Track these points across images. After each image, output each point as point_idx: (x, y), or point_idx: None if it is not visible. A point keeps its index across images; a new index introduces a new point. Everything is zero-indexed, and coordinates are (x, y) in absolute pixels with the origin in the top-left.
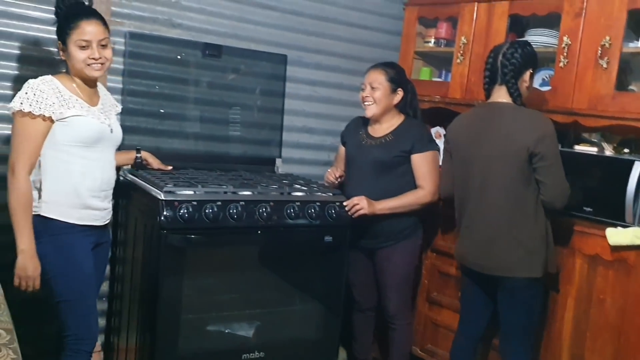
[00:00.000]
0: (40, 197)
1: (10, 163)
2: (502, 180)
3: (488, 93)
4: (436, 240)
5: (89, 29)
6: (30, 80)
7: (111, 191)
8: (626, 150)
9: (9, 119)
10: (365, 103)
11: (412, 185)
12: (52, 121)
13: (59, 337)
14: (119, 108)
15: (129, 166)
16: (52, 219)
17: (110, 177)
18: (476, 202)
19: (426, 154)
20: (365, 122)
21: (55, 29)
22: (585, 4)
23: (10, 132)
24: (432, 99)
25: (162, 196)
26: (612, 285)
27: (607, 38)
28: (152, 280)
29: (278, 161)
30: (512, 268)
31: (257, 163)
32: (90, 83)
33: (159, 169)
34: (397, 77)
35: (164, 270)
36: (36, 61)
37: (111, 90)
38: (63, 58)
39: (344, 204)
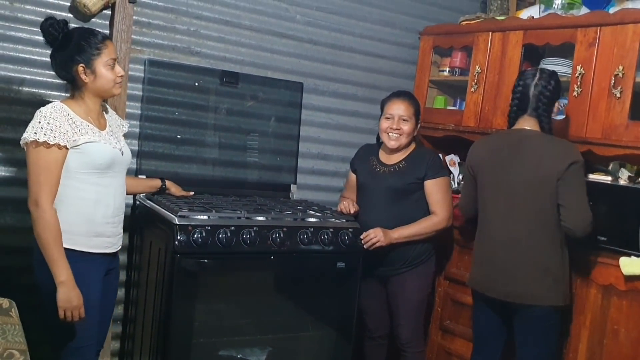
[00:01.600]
0: None
1: (33, 196)
2: (531, 206)
3: (513, 121)
4: (449, 268)
5: (114, 48)
6: (42, 109)
7: (122, 216)
8: None
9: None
10: (392, 134)
11: (426, 211)
12: (67, 149)
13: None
14: (126, 128)
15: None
16: (66, 248)
17: (122, 202)
18: (500, 228)
19: (439, 179)
20: (374, 149)
21: (56, 56)
22: (598, 34)
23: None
24: (446, 127)
25: (176, 220)
26: (627, 315)
27: (621, 68)
28: (165, 304)
29: (293, 187)
30: (539, 296)
31: (272, 189)
32: (100, 107)
33: (180, 197)
34: (419, 110)
35: (177, 293)
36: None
37: (130, 117)
38: (85, 81)
39: (361, 237)
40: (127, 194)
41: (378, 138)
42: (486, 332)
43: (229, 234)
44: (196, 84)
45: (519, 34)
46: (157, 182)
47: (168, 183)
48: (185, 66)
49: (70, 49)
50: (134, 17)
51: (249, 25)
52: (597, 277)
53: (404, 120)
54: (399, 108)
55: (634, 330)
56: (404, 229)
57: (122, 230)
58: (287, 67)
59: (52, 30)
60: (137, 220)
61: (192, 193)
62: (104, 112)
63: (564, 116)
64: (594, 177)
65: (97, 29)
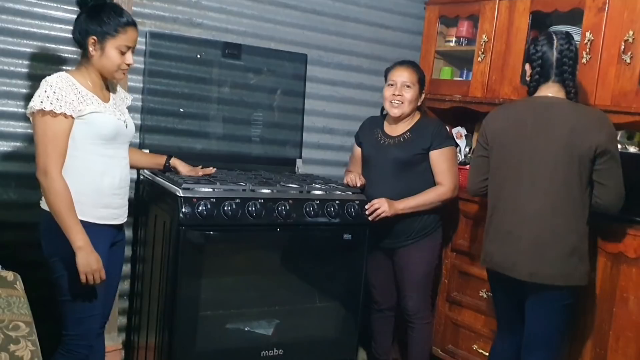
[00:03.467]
0: None
1: (41, 166)
2: (559, 180)
3: (534, 89)
4: (456, 239)
5: (134, 36)
6: (48, 78)
7: (128, 188)
8: None
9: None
10: (394, 102)
11: (432, 182)
12: (73, 118)
13: (57, 336)
14: (129, 100)
15: None
16: None
17: (127, 174)
18: (524, 204)
19: (444, 150)
20: (379, 121)
21: (80, 20)
22: None
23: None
24: (452, 98)
25: (180, 193)
26: (636, 283)
27: (631, 33)
28: (171, 278)
29: (298, 162)
30: (566, 276)
31: (278, 163)
32: (105, 80)
33: (189, 176)
34: (424, 78)
35: (183, 267)
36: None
37: (132, 90)
38: (92, 53)
39: (365, 207)
40: (130, 167)
41: (382, 110)
42: (510, 313)
43: (234, 206)
44: (198, 56)
45: (526, 2)
46: (162, 159)
47: (174, 161)
48: (187, 38)
49: (94, 18)
50: None
51: None
52: (606, 246)
53: (407, 86)
54: (401, 75)
55: None
56: (410, 200)
57: (127, 202)
58: (290, 38)
59: None
60: (142, 194)
61: (200, 172)
62: (109, 85)
63: None
64: None
65: (127, 12)
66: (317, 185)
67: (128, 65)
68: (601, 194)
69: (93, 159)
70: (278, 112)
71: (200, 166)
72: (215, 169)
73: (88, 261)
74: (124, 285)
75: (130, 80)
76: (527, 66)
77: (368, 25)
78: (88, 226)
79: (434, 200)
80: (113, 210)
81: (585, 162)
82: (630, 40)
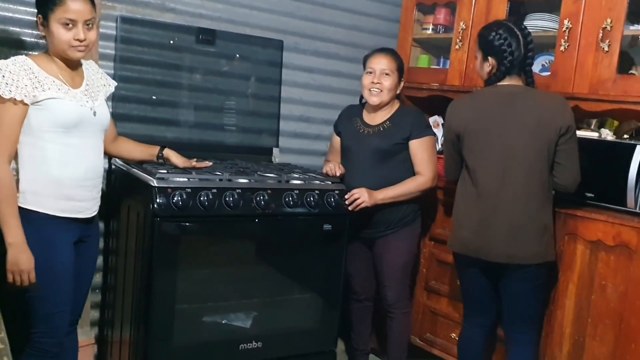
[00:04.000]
0: (17, 187)
1: None
2: (530, 165)
3: (498, 80)
4: (434, 229)
5: (75, 7)
6: (1, 62)
7: (100, 180)
8: (626, 136)
9: None
10: (373, 90)
11: (411, 171)
12: (24, 104)
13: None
14: (112, 87)
15: None
16: (31, 210)
17: (97, 165)
18: (498, 190)
19: (424, 139)
20: (358, 110)
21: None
22: None
23: None
24: (430, 86)
25: (154, 183)
26: (614, 270)
27: (609, 20)
28: (146, 270)
29: (275, 151)
30: (540, 254)
31: (254, 152)
32: (73, 63)
33: (184, 168)
34: (402, 66)
35: (158, 259)
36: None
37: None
38: (42, 34)
39: (345, 197)
40: (124, 158)
41: (361, 99)
42: (481, 293)
43: (210, 197)
44: (171, 42)
45: None
46: (154, 150)
47: (167, 152)
48: (159, 23)
49: None
50: None
51: None
52: (585, 233)
53: (386, 74)
54: (380, 62)
55: (621, 285)
56: (389, 190)
57: (98, 195)
58: (266, 24)
59: None
60: (114, 185)
61: (195, 164)
62: (84, 70)
63: (549, 73)
64: (580, 133)
65: None
66: (295, 175)
67: (79, 41)
68: (560, 175)
69: (52, 147)
70: (254, 99)
71: (195, 159)
72: (211, 163)
73: (17, 259)
74: (96, 278)
75: (101, 67)
76: (492, 60)
77: (345, 11)
78: (45, 219)
79: (413, 190)
80: (77, 202)
81: (552, 146)
82: (609, 27)
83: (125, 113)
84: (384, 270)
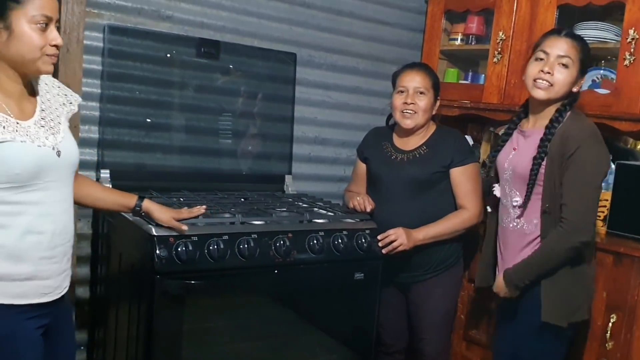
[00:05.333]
0: None
1: None
2: None
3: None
4: (474, 268)
5: (50, 3)
6: None
7: (71, 244)
8: None
9: None
10: (406, 112)
11: (452, 204)
12: None
13: None
14: (75, 106)
15: None
16: None
17: (67, 225)
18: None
19: (467, 167)
20: (386, 132)
21: None
22: None
23: None
24: (462, 104)
25: (153, 231)
26: None
27: None
28: (144, 339)
29: (288, 178)
30: None
31: (264, 181)
32: (26, 83)
33: (169, 227)
34: (438, 83)
35: (159, 325)
36: None
37: (88, 97)
38: None
39: (378, 238)
40: (95, 208)
41: (388, 120)
42: None
43: (222, 245)
44: (168, 55)
45: None
46: (130, 200)
47: (148, 205)
48: (154, 34)
49: None
50: None
51: None
52: None
53: (420, 93)
54: (413, 79)
55: None
56: (430, 228)
57: (69, 265)
58: (276, 35)
59: None
60: (102, 224)
61: (186, 214)
62: (35, 87)
63: (607, 90)
64: None
65: None
66: (320, 212)
67: (56, 46)
68: None
69: (2, 210)
70: (263, 121)
71: (186, 208)
72: (205, 207)
73: None
74: (82, 335)
75: (85, 85)
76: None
77: (364, 20)
78: (2, 310)
79: (458, 228)
80: (43, 281)
81: None
82: None
83: (115, 139)
84: (422, 321)
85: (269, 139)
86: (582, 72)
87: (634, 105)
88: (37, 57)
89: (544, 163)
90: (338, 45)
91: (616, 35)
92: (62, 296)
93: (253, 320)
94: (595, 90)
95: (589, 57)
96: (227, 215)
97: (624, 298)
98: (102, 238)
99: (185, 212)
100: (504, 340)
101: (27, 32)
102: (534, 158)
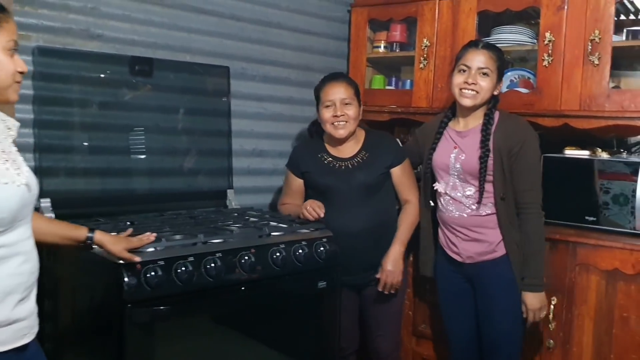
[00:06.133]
0: None
1: None
2: None
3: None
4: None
5: (13, 28)
6: None
7: (35, 281)
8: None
9: None
10: (337, 123)
11: (394, 200)
12: None
13: None
14: (14, 130)
15: None
16: None
17: (36, 261)
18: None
19: (404, 164)
20: (316, 144)
21: None
22: None
23: None
24: (392, 109)
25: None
26: (636, 300)
27: (597, 32)
28: None
29: (230, 193)
30: None
31: (206, 198)
32: None
33: (124, 258)
34: (359, 90)
35: (132, 353)
36: None
37: (21, 123)
38: None
39: (380, 289)
40: (41, 242)
41: (311, 132)
42: None
43: (190, 267)
44: (101, 75)
45: (472, 1)
46: (79, 232)
47: (99, 235)
48: (85, 54)
49: None
50: None
51: None
52: (599, 263)
53: (347, 104)
54: (337, 92)
55: None
56: (399, 237)
57: (35, 303)
58: (208, 48)
59: None
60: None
61: (136, 243)
62: None
63: (527, 90)
64: (570, 152)
65: None
66: (275, 224)
67: (22, 73)
68: None
69: None
70: (201, 136)
71: (136, 237)
72: (155, 235)
73: None
74: None
75: (17, 111)
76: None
77: (292, 31)
78: None
79: (415, 221)
80: (19, 324)
81: None
82: (597, 40)
83: (52, 165)
84: (377, 319)
85: (208, 154)
86: (500, 76)
87: (554, 103)
88: (8, 84)
89: (491, 158)
90: (269, 57)
91: (531, 38)
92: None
93: (222, 338)
94: (518, 89)
95: (504, 63)
96: (189, 235)
97: (562, 281)
98: (44, 270)
99: (136, 241)
100: (461, 322)
101: (3, 59)
102: (480, 157)
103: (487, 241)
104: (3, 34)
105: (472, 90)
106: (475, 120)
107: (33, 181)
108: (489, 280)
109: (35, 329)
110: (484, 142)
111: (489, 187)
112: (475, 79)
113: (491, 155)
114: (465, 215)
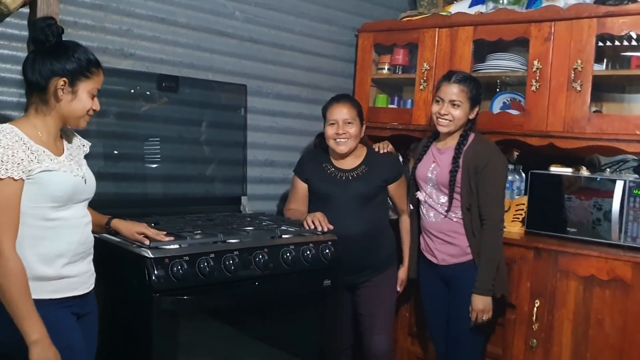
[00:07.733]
0: None
1: None
2: None
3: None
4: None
5: (101, 79)
6: None
7: (91, 250)
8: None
9: None
10: (339, 140)
11: (387, 211)
12: (23, 180)
13: None
14: (87, 148)
15: None
16: None
17: (89, 236)
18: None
19: (401, 180)
20: (321, 155)
21: (38, 59)
22: (553, 29)
23: None
24: (394, 126)
25: (149, 253)
26: (610, 305)
27: (579, 62)
28: (143, 351)
29: (244, 199)
30: None
31: (222, 203)
32: (59, 129)
33: (136, 240)
34: (362, 111)
35: (158, 339)
36: None
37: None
38: (61, 98)
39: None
40: None
41: (317, 145)
42: None
43: (211, 263)
44: (132, 90)
45: (469, 30)
46: (103, 220)
47: (116, 223)
48: (118, 71)
49: (61, 57)
50: (59, 17)
51: (185, 22)
52: (577, 269)
53: (349, 123)
54: (340, 112)
55: (619, 319)
56: (405, 251)
57: (92, 267)
58: (228, 68)
59: (49, 31)
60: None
61: (146, 231)
62: (62, 134)
63: (518, 112)
64: (555, 169)
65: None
66: (286, 228)
67: (95, 111)
68: None
69: (43, 224)
70: (220, 147)
71: (144, 224)
72: (165, 234)
73: (45, 358)
74: None
75: None
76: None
77: (304, 53)
78: (48, 304)
79: (409, 231)
80: (73, 279)
81: None
82: (579, 68)
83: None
84: (373, 317)
85: (225, 163)
86: (474, 104)
87: (541, 124)
88: (81, 116)
89: (459, 174)
90: (282, 76)
91: (522, 65)
92: (89, 292)
93: (237, 331)
94: (508, 111)
95: (478, 92)
96: (210, 235)
97: (544, 286)
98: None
99: (151, 232)
100: (439, 317)
101: (84, 99)
102: (450, 171)
103: (459, 245)
104: (92, 83)
105: (445, 119)
106: (453, 140)
107: (91, 178)
108: (460, 282)
109: (88, 286)
110: (455, 159)
111: (457, 197)
112: (447, 110)
113: (460, 170)
114: (440, 220)
